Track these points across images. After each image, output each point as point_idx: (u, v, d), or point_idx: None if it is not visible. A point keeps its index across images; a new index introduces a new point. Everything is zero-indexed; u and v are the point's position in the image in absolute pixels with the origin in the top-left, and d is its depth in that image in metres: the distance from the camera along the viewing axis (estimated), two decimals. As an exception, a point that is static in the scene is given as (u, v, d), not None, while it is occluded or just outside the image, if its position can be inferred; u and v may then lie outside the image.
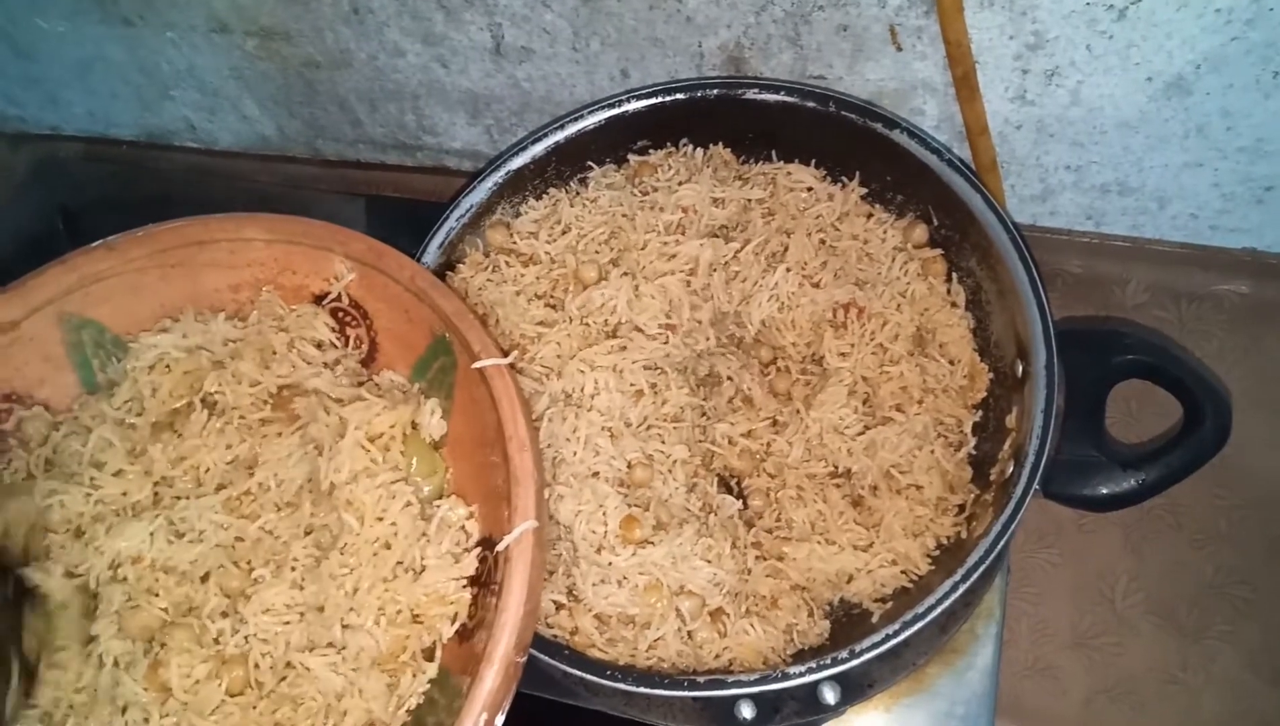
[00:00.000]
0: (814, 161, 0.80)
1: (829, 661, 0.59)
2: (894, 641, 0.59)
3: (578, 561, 0.66)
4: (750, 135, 0.81)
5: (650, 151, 0.83)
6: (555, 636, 0.65)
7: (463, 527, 0.63)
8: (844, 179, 0.79)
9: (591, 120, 0.80)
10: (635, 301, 0.74)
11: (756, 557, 0.68)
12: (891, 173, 0.77)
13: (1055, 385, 0.64)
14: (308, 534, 0.64)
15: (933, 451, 0.69)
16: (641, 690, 0.60)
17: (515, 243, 0.80)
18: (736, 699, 0.60)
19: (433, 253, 0.77)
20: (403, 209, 1.02)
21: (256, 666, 0.61)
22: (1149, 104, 0.72)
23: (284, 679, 0.61)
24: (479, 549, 0.62)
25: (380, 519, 0.62)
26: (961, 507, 0.69)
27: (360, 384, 0.70)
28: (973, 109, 0.75)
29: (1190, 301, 0.81)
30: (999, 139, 0.78)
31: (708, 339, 0.74)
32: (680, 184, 0.78)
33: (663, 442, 0.70)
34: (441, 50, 0.88)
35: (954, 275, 0.75)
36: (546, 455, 0.68)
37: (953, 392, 0.72)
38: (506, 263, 0.78)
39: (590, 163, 0.83)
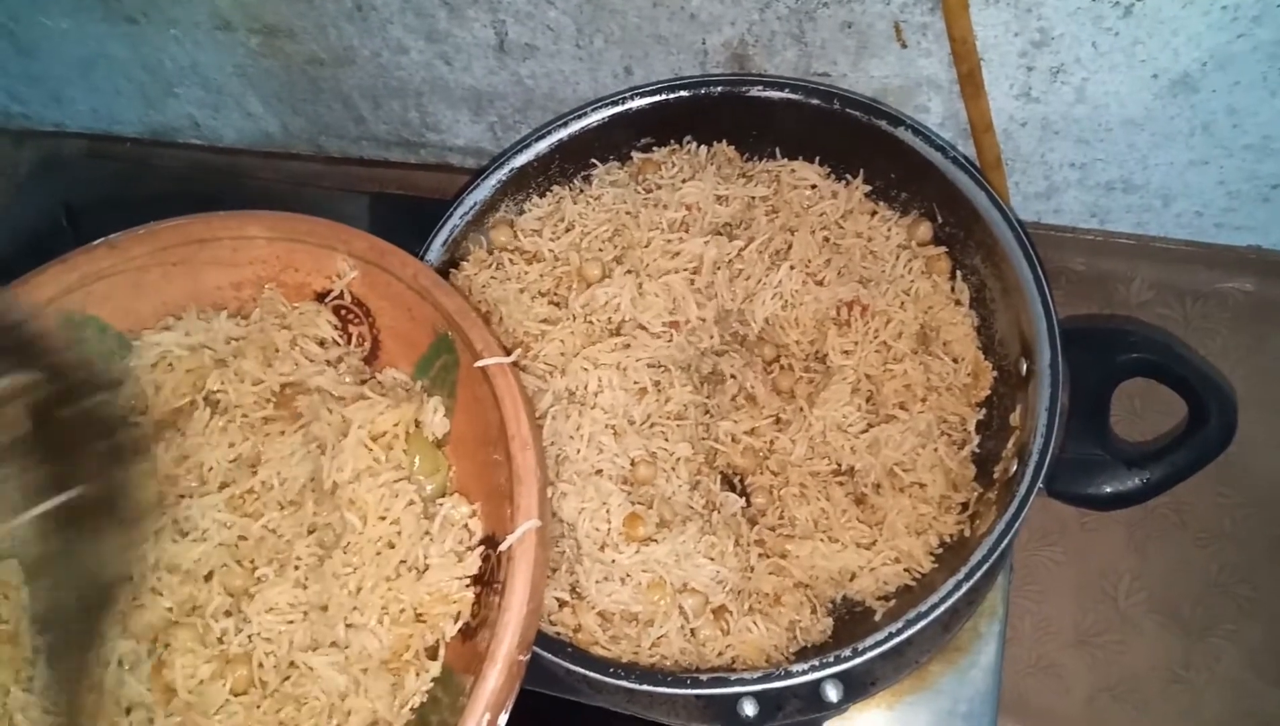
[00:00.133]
0: (818, 159, 0.80)
1: (832, 659, 0.59)
2: (897, 639, 0.59)
3: (581, 559, 0.66)
4: (754, 132, 0.81)
5: (654, 149, 0.82)
6: (558, 634, 0.65)
7: (466, 526, 0.63)
8: (848, 176, 0.79)
9: (595, 117, 0.80)
10: (639, 299, 0.74)
11: (759, 555, 0.68)
12: (896, 170, 0.77)
13: (1059, 383, 0.64)
14: (311, 533, 0.64)
15: (936, 449, 0.69)
16: (644, 687, 0.60)
17: (519, 240, 0.80)
18: (739, 696, 0.60)
19: (437, 250, 0.77)
20: (406, 206, 1.02)
21: (260, 666, 0.61)
22: (1154, 101, 0.72)
23: (288, 678, 0.61)
24: (482, 547, 0.62)
25: (383, 518, 0.62)
26: (965, 506, 0.68)
27: (363, 382, 0.70)
28: (977, 106, 0.75)
29: (1195, 299, 0.81)
30: (1004, 136, 0.78)
31: (711, 337, 0.74)
32: (684, 181, 0.78)
33: (666, 440, 0.70)
34: (445, 47, 0.88)
35: (958, 273, 0.75)
36: (550, 453, 0.68)
37: (956, 390, 0.72)
38: (510, 260, 0.78)
39: (594, 160, 0.82)
